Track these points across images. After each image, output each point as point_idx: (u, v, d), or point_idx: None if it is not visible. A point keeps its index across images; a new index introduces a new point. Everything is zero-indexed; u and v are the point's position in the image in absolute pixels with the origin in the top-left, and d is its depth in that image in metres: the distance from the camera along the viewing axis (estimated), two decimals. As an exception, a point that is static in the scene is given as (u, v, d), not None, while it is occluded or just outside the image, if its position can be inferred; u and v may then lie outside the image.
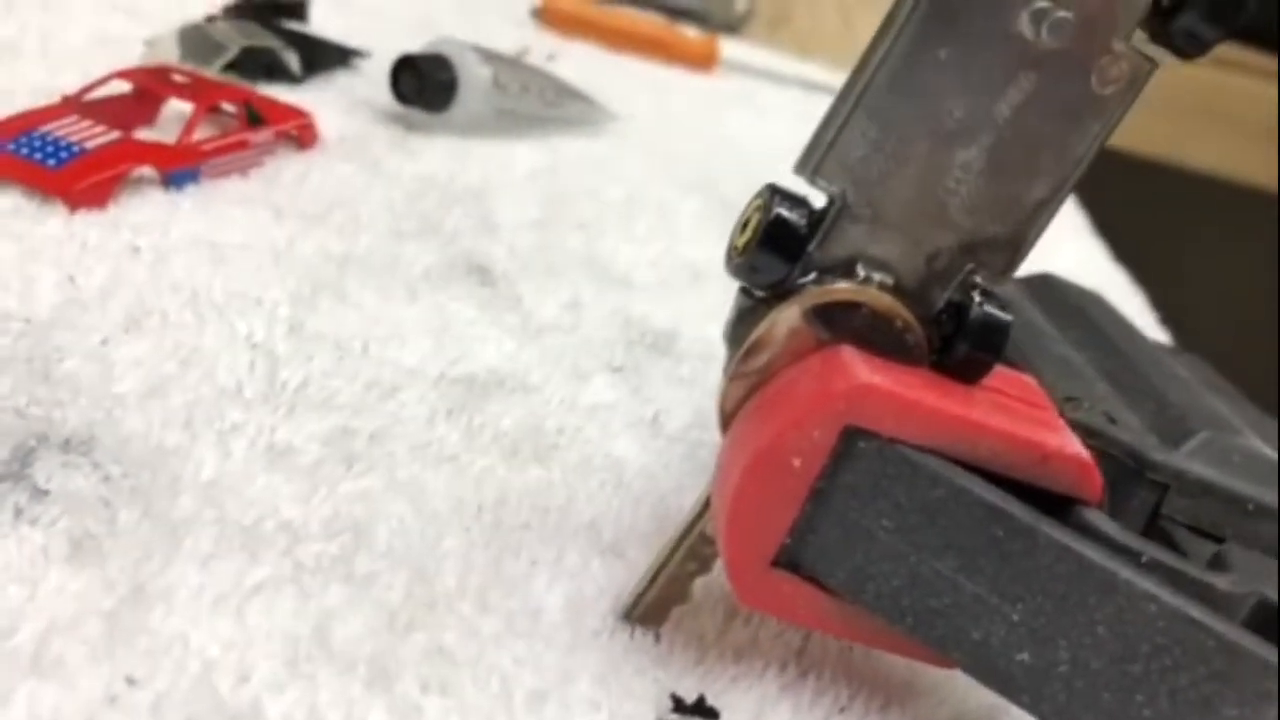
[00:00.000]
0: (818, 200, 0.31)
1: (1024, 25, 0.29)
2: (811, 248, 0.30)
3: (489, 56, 0.66)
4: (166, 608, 0.30)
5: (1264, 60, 1.79)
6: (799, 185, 0.31)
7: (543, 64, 0.82)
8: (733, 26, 1.23)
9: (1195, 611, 0.28)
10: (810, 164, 0.30)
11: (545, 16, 0.92)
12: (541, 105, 0.69)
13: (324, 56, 0.70)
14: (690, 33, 0.99)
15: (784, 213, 0.30)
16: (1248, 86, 1.79)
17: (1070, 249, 0.81)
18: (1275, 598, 0.30)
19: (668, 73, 0.91)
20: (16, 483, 0.32)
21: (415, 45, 0.66)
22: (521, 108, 0.68)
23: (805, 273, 0.31)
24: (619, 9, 0.98)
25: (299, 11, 0.74)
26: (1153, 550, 0.30)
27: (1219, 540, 0.36)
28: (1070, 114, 0.30)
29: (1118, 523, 0.35)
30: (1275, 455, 0.38)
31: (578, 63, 0.86)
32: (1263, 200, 1.59)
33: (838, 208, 0.30)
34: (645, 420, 0.44)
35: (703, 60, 0.94)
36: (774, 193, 0.31)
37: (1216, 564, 0.32)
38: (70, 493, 0.32)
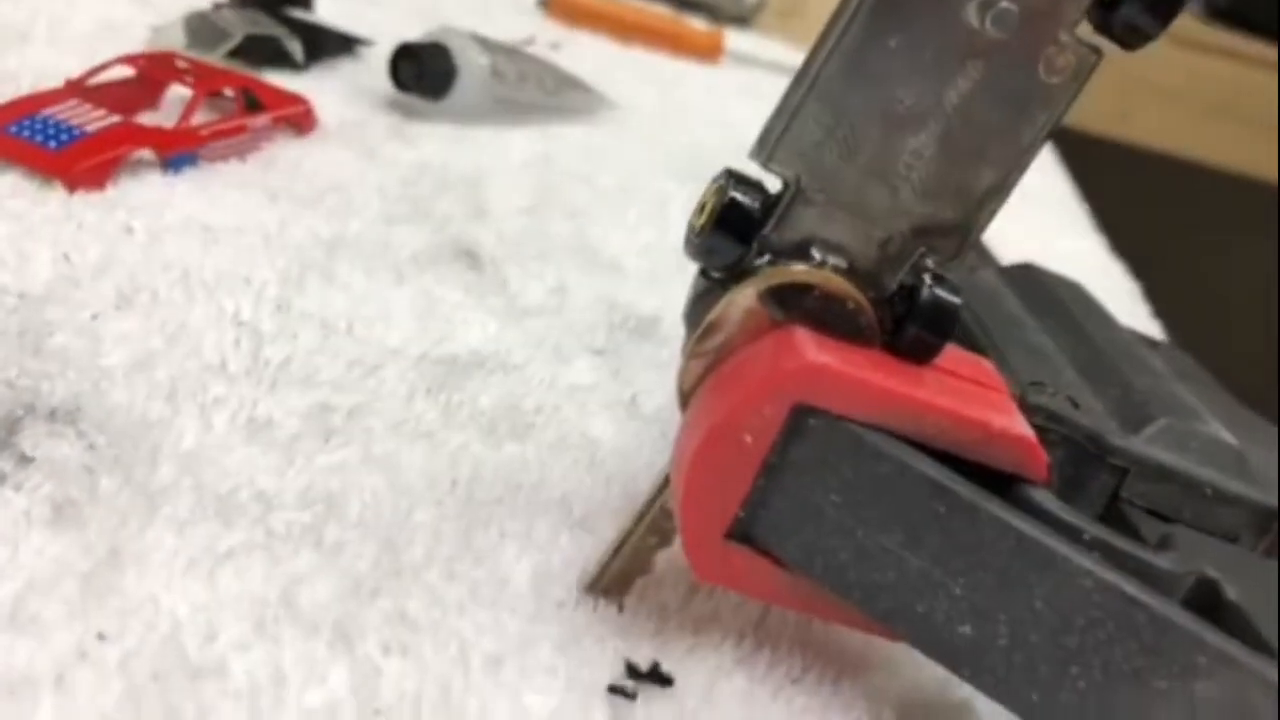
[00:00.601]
0: (774, 184, 0.32)
1: (971, 15, 0.29)
2: (767, 230, 0.31)
3: (488, 46, 0.67)
4: (140, 570, 0.31)
5: (1265, 51, 1.78)
6: (758, 171, 0.32)
7: (546, 53, 0.83)
8: (743, 17, 1.24)
9: (1128, 587, 0.29)
10: (765, 150, 0.31)
11: (551, 6, 0.93)
12: (540, 94, 0.70)
13: (327, 44, 0.71)
14: (696, 24, 1.00)
15: (738, 197, 0.31)
16: (1250, 78, 1.78)
17: (1069, 241, 0.82)
18: (1215, 575, 0.31)
19: (672, 64, 0.92)
20: (2, 450, 0.34)
21: (419, 33, 0.67)
22: (520, 96, 0.69)
23: (761, 254, 0.32)
24: (626, 2, 0.99)
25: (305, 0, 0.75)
26: (1094, 528, 0.31)
27: (1178, 524, 0.37)
28: (1018, 102, 0.30)
29: (1064, 501, 0.36)
30: (1234, 441, 0.39)
31: (582, 53, 0.87)
32: (1264, 192, 1.58)
33: (792, 192, 0.31)
34: (623, 401, 0.45)
35: (707, 51, 0.95)
36: (730, 177, 0.32)
37: (1163, 545, 0.33)
38: (54, 460, 0.34)
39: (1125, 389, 0.41)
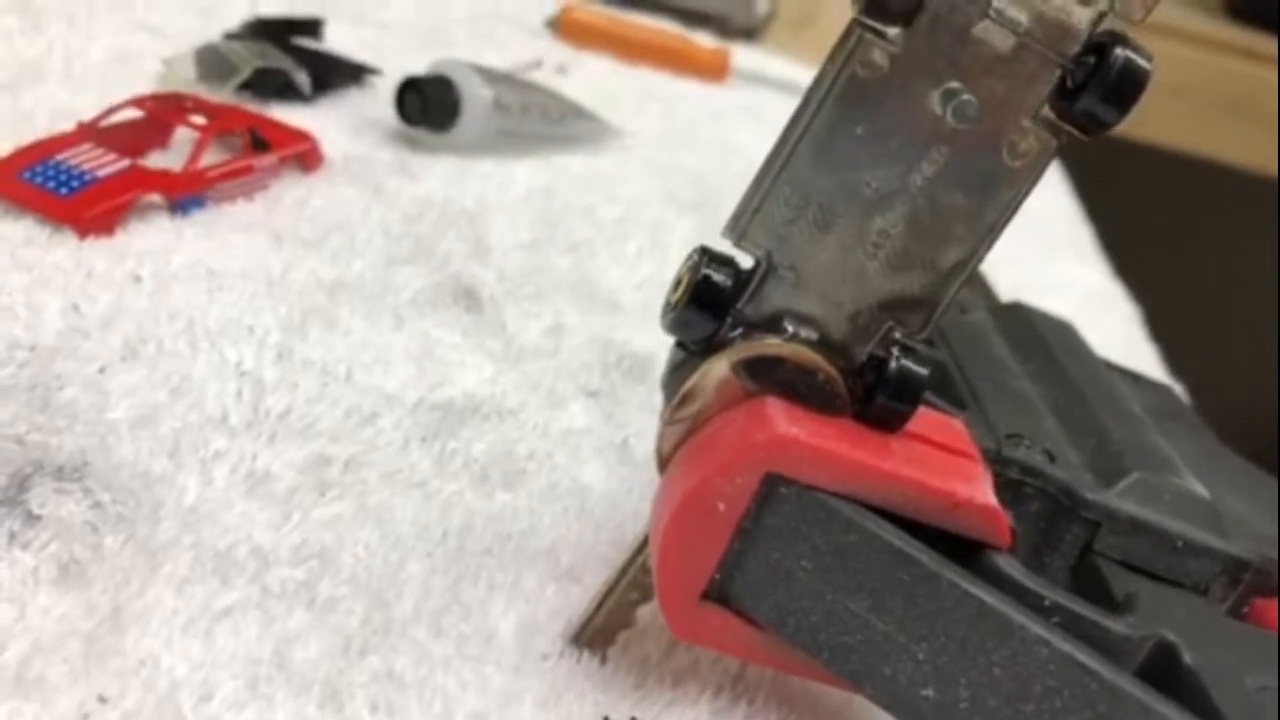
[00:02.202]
0: (747, 260, 0.33)
1: (935, 104, 0.30)
2: (740, 304, 0.33)
3: (492, 77, 0.69)
4: (141, 630, 0.32)
5: (1265, 43, 1.77)
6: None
7: (553, 77, 0.84)
8: (753, 30, 1.25)
9: (1081, 656, 0.30)
10: (737, 229, 0.32)
11: (560, 28, 0.94)
12: (544, 124, 0.72)
13: (336, 74, 0.72)
14: (704, 41, 1.01)
15: (711, 274, 0.32)
16: (1266, 76, 1.77)
17: (1069, 264, 0.83)
18: (1173, 639, 0.32)
19: (678, 84, 0.93)
20: (12, 508, 0.35)
21: (429, 59, 0.69)
22: (523, 127, 0.70)
23: (735, 327, 0.33)
24: (634, 19, 1.00)
25: (314, 29, 0.76)
26: (1055, 594, 0.32)
27: (1150, 575, 0.38)
28: (982, 184, 0.31)
29: (1038, 553, 0.37)
30: (1206, 494, 0.40)
31: (588, 75, 0.88)
32: (1264, 186, 1.58)
33: (764, 269, 0.32)
34: (614, 445, 0.46)
35: (714, 71, 0.96)
36: (703, 254, 0.33)
37: (1127, 605, 0.34)
38: (61, 519, 0.35)
39: (1102, 439, 0.42)
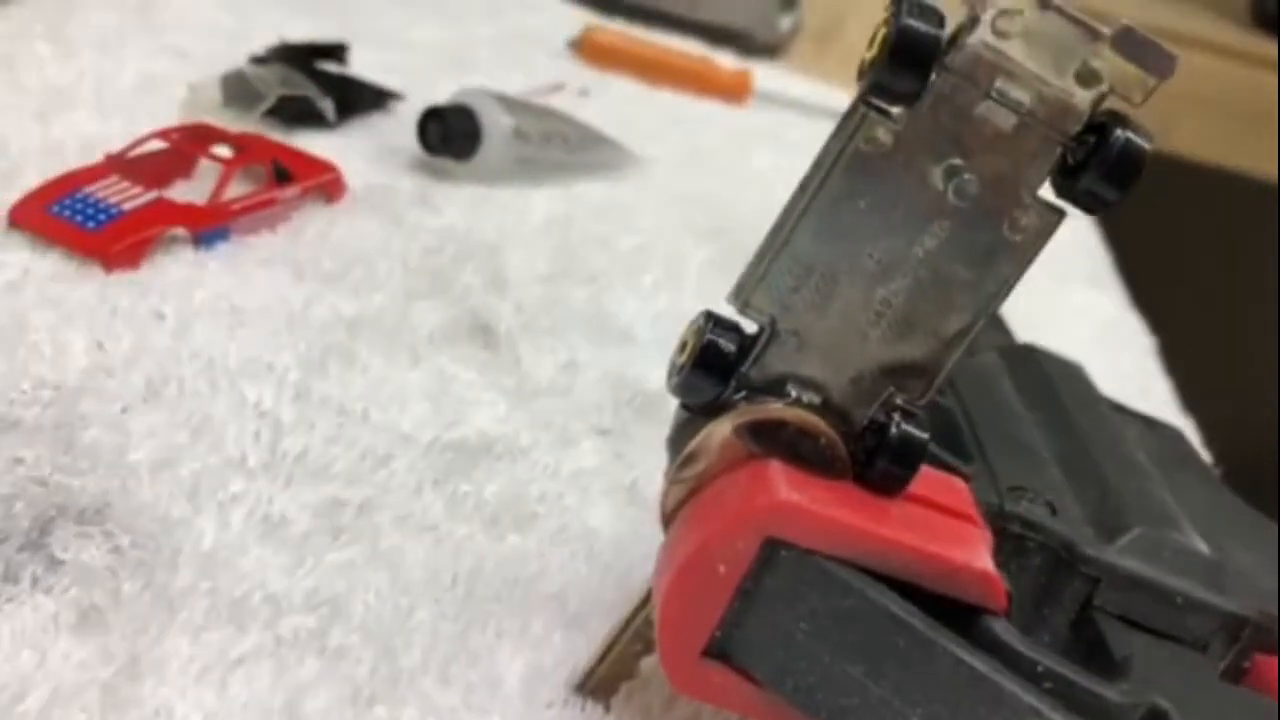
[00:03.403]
0: (753, 325, 0.33)
1: (937, 180, 0.31)
2: (744, 368, 0.33)
3: (513, 106, 0.69)
4: (157, 679, 0.33)
5: (1265, 46, 1.75)
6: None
7: (575, 99, 0.85)
8: (776, 46, 1.25)
9: (1071, 726, 0.30)
10: (741, 297, 0.33)
11: (582, 49, 0.95)
12: (564, 152, 0.72)
13: (360, 99, 0.73)
14: (726, 61, 1.02)
15: (715, 339, 0.33)
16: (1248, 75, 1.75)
17: (1085, 292, 0.83)
18: (1166, 707, 0.33)
19: (700, 107, 0.94)
20: (35, 552, 0.36)
21: (453, 81, 0.70)
22: (543, 156, 0.71)
23: (739, 390, 0.33)
24: (657, 39, 1.01)
25: (339, 54, 0.77)
26: (1049, 660, 0.33)
27: (1149, 631, 0.38)
28: (984, 258, 0.32)
29: (1038, 607, 0.38)
30: (1206, 550, 0.40)
31: (610, 98, 0.88)
32: (1262, 190, 1.57)
33: (768, 334, 0.33)
34: (624, 486, 0.47)
35: (735, 92, 0.96)
36: (709, 319, 0.33)
37: (1122, 668, 0.35)
38: (82, 563, 0.36)
39: (1104, 490, 0.42)
